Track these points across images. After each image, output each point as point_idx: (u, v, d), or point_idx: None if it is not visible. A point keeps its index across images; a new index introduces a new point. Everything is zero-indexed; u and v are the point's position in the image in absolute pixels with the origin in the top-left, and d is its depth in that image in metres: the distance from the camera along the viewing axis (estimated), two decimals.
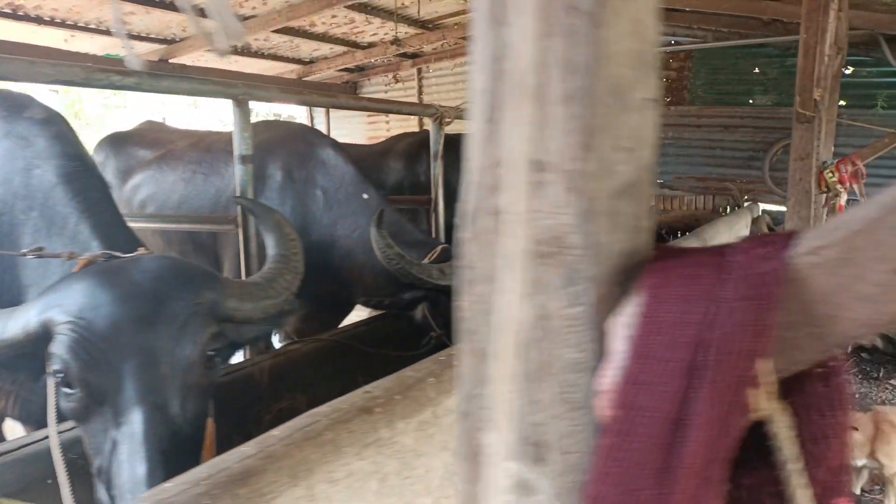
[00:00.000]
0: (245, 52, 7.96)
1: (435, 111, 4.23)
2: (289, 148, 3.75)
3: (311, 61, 8.71)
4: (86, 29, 6.28)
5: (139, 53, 7.07)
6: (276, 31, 7.00)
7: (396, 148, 5.41)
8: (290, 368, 3.03)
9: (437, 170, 4.33)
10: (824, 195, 3.93)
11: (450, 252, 3.26)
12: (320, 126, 9.94)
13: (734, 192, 7.34)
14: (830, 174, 3.79)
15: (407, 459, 1.56)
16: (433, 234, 4.37)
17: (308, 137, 3.79)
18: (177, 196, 3.91)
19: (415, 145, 5.15)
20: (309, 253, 3.59)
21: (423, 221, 4.72)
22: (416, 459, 1.58)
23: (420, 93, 9.24)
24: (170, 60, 7.22)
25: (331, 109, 9.52)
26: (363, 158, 5.46)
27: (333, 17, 6.82)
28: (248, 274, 3.64)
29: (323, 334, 3.36)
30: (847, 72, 6.61)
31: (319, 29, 7.29)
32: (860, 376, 5.91)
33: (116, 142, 4.51)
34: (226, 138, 3.88)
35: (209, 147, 4.07)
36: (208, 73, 7.86)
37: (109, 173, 4.22)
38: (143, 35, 6.77)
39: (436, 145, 4.30)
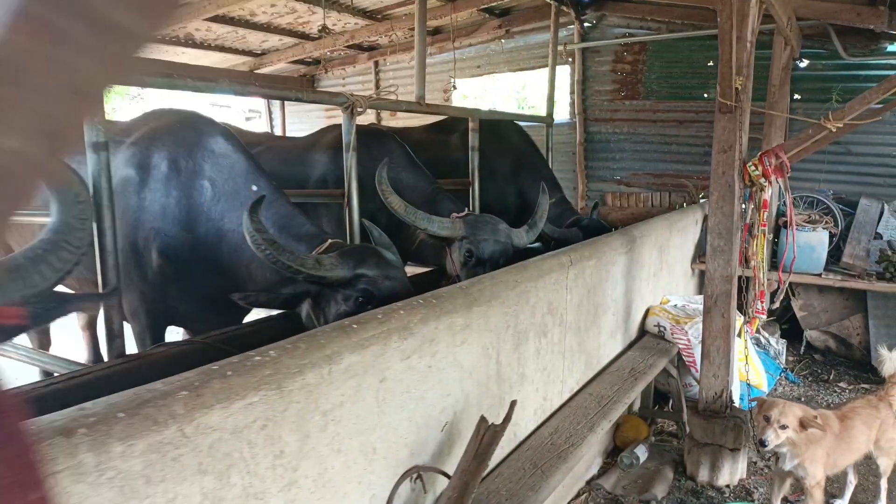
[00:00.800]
0: (189, 42, 7.71)
1: (345, 100, 4.00)
2: (176, 136, 3.50)
3: (263, 53, 8.47)
4: None
5: None
6: (216, 21, 6.75)
7: (322, 140, 5.18)
8: (142, 377, 2.79)
9: (349, 161, 4.09)
10: (748, 189, 3.71)
11: (342, 246, 3.06)
12: (276, 120, 9.71)
13: (690, 188, 7.14)
14: (754, 167, 3.57)
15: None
16: (347, 229, 4.15)
17: (198, 125, 3.55)
18: None
19: (340, 138, 4.93)
20: (195, 248, 3.41)
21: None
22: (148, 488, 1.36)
23: (377, 86, 9.00)
24: None
25: (286, 103, 9.28)
26: (288, 151, 5.26)
27: (273, 5, 6.58)
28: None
29: (189, 339, 3.13)
30: (802, 65, 6.41)
31: (261, 19, 7.06)
32: (810, 378, 5.71)
33: None
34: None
35: None
36: (149, 64, 7.61)
37: None
38: None
39: (347, 136, 4.07)
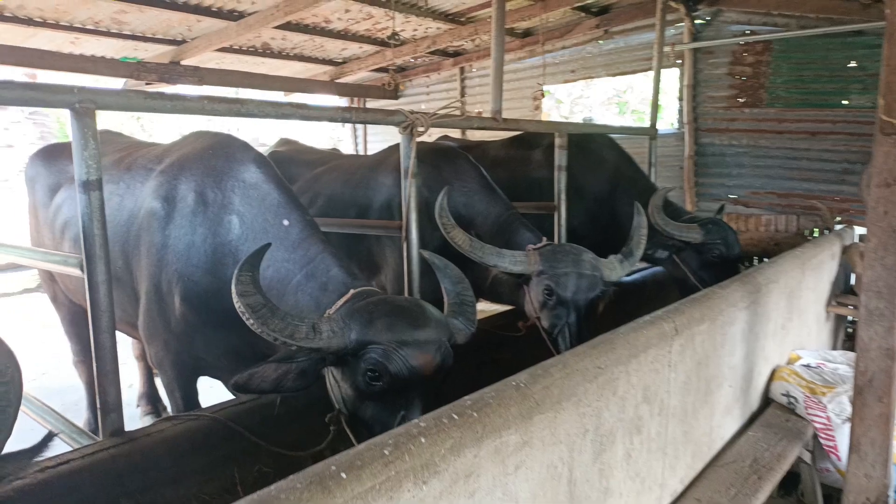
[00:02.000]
0: (268, 52, 7.43)
1: (403, 119, 3.40)
2: (206, 164, 3.04)
3: (343, 62, 8.09)
4: (83, 30, 5.89)
5: (149, 56, 6.69)
6: (289, 29, 6.39)
7: (389, 160, 4.63)
8: (141, 460, 2.30)
9: (408, 189, 3.49)
10: None
11: (366, 297, 2.46)
12: (359, 138, 9.35)
13: (823, 212, 6.01)
14: None
15: None
16: (405, 266, 3.55)
17: (230, 151, 3.06)
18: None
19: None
20: (220, 295, 2.90)
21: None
22: None
23: (462, 94, 8.42)
24: (182, 62, 6.76)
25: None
26: (352, 171, 4.74)
27: (347, 11, 6.12)
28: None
29: (201, 409, 2.63)
30: None
31: (337, 26, 6.63)
32: None
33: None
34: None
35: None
36: (229, 75, 7.41)
37: None
38: (149, 36, 6.34)
39: (406, 160, 3.47)
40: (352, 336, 2.26)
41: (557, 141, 4.50)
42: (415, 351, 2.26)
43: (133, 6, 5.43)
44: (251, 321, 2.15)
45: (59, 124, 10.23)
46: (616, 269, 3.43)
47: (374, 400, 2.28)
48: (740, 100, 6.48)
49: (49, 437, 1.57)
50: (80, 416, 4.67)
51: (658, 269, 5.14)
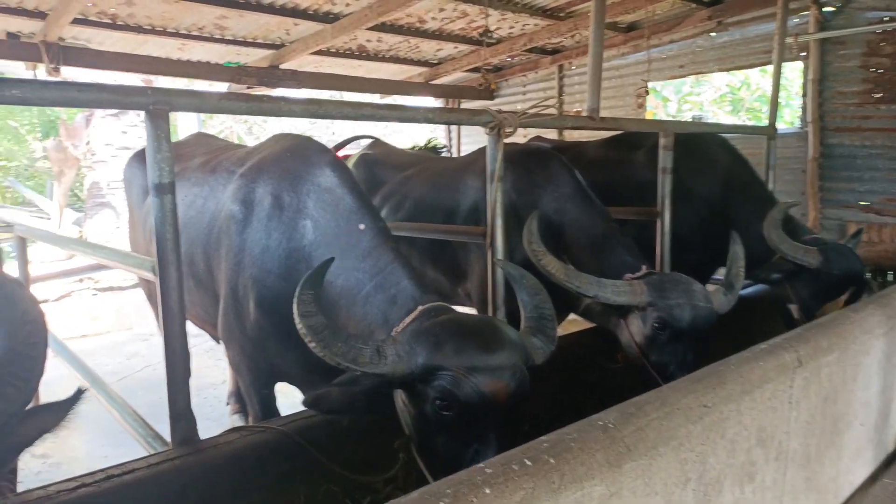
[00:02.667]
0: (364, 55, 7.44)
1: (490, 119, 3.18)
2: (283, 167, 2.96)
3: (438, 63, 7.98)
4: (189, 36, 6.10)
5: (250, 60, 6.85)
6: (384, 31, 6.34)
7: (479, 162, 4.42)
8: (206, 472, 2.23)
9: (494, 194, 3.27)
10: None
11: (439, 314, 2.26)
12: (453, 139, 9.23)
13: None
14: None
15: None
16: (490, 277, 3.33)
17: (306, 154, 2.97)
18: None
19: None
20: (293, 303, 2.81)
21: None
22: None
23: (560, 93, 8.08)
24: (281, 66, 6.88)
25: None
26: (440, 174, 4.58)
27: (441, 10, 5.98)
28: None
29: (270, 421, 2.53)
30: None
31: (431, 26, 6.50)
32: None
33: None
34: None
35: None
36: (326, 78, 7.48)
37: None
38: (249, 40, 6.48)
39: (493, 163, 3.24)
40: (418, 361, 2.07)
41: (662, 141, 4.13)
42: (487, 377, 2.03)
43: (233, 11, 5.55)
44: (313, 344, 2.03)
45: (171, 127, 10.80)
46: (722, 302, 3.08)
47: (445, 429, 2.08)
48: (876, 95, 5.76)
49: (80, 392, 1.47)
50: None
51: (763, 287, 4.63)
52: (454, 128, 9.28)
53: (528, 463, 1.40)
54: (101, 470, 2.08)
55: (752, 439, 2.06)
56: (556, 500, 1.39)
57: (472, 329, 2.17)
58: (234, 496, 2.23)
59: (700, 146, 4.54)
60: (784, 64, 5.21)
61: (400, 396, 2.25)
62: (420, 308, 2.32)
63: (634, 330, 3.01)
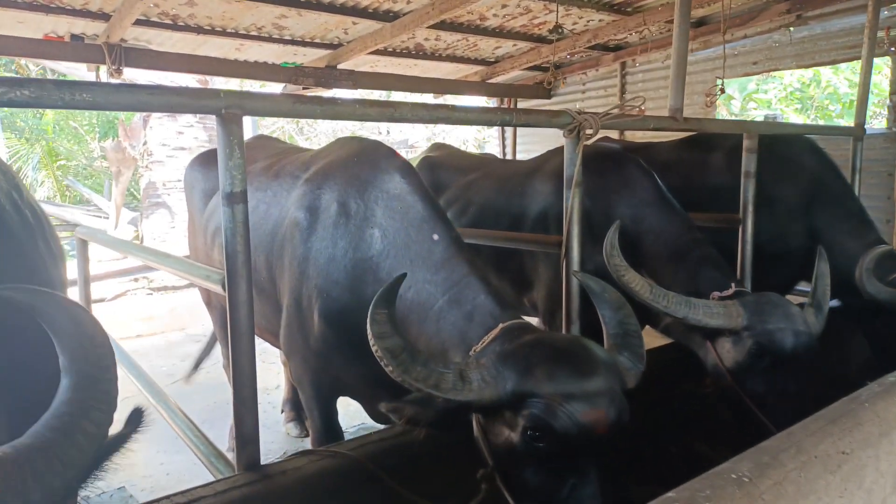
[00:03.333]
0: (421, 54, 7.29)
1: (569, 120, 2.97)
2: (350, 173, 2.82)
3: (496, 61, 7.78)
4: (247, 36, 6.05)
5: (307, 60, 6.78)
6: (444, 29, 6.17)
7: (546, 166, 4.22)
8: (274, 501, 2.09)
9: (572, 201, 3.06)
10: None
11: (521, 333, 2.09)
12: (507, 140, 9.01)
13: None
14: None
15: None
16: (564, 288, 3.12)
17: (375, 159, 2.82)
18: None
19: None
20: (360, 315, 2.65)
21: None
22: None
23: (623, 91, 7.79)
24: (338, 66, 6.79)
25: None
26: (507, 179, 4.39)
27: (504, 6, 5.78)
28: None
29: (340, 444, 2.38)
30: None
31: (492, 23, 6.31)
32: None
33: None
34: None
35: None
36: (382, 78, 7.37)
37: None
38: (307, 40, 6.40)
39: (571, 167, 3.03)
40: (507, 387, 1.90)
41: (746, 143, 3.84)
42: (584, 406, 1.85)
43: (292, 10, 5.47)
44: (390, 368, 1.88)
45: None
46: (815, 324, 2.81)
47: (537, 461, 1.89)
48: None
49: (139, 415, 1.40)
50: (225, 418, 4.71)
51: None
52: (508, 129, 9.06)
53: None
54: (166, 497, 1.96)
55: (888, 487, 1.81)
56: None
57: (564, 351, 1.99)
58: None
59: (785, 149, 4.23)
60: (874, 59, 4.84)
61: (478, 421, 2.08)
62: (501, 326, 2.15)
63: (725, 354, 2.76)
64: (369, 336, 1.92)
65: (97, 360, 1.26)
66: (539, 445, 1.85)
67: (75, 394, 1.23)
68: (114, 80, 5.65)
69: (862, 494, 1.69)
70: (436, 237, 2.52)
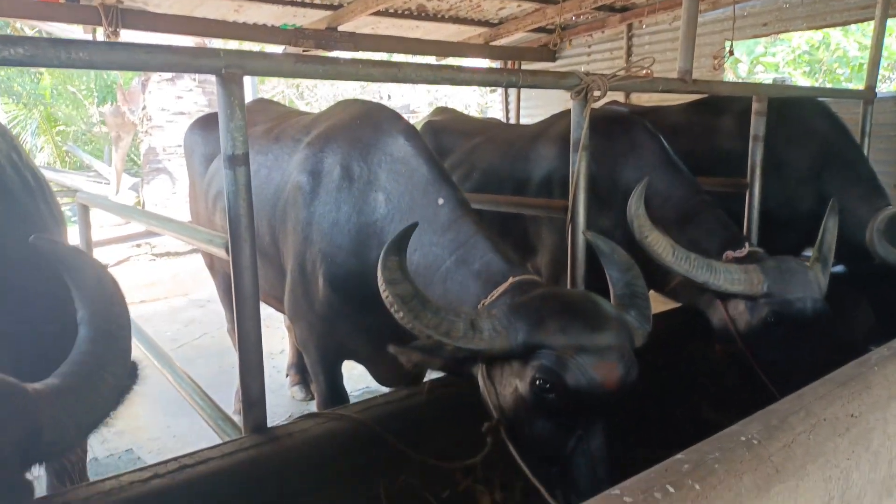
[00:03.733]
0: (423, 15, 7.15)
1: (577, 81, 2.91)
2: (352, 135, 2.78)
3: (500, 22, 7.62)
4: None
5: (306, 22, 6.65)
6: None
7: (551, 130, 4.15)
8: (282, 463, 2.10)
9: (578, 165, 3.02)
10: None
11: (529, 288, 2.10)
12: (511, 104, 8.87)
13: None
14: None
15: None
16: (569, 252, 3.10)
17: (378, 122, 2.78)
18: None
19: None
20: (365, 279, 2.62)
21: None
22: None
23: (629, 54, 7.66)
24: (339, 28, 6.66)
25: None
26: (510, 143, 4.33)
27: None
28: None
29: (346, 407, 2.39)
30: None
31: None
32: None
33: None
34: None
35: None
36: (384, 40, 7.23)
37: None
38: (307, 1, 6.27)
39: (577, 130, 2.99)
40: (518, 337, 1.91)
41: (755, 106, 3.78)
42: (596, 359, 1.86)
43: None
44: (400, 314, 1.89)
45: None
46: (823, 282, 2.79)
47: (544, 413, 1.90)
48: None
49: (134, 369, 1.45)
50: (230, 382, 4.74)
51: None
52: (512, 93, 8.92)
53: (672, 490, 1.19)
54: (174, 459, 1.97)
55: (895, 450, 1.81)
56: None
57: (576, 305, 2.00)
58: (311, 490, 2.10)
59: (796, 113, 4.16)
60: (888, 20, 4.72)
61: (484, 373, 2.07)
62: (511, 280, 2.15)
63: (737, 317, 2.75)
64: (380, 282, 1.92)
65: (116, 318, 1.29)
66: (548, 397, 1.86)
67: (95, 346, 1.30)
68: None
69: (869, 457, 1.69)
70: (441, 200, 2.49)
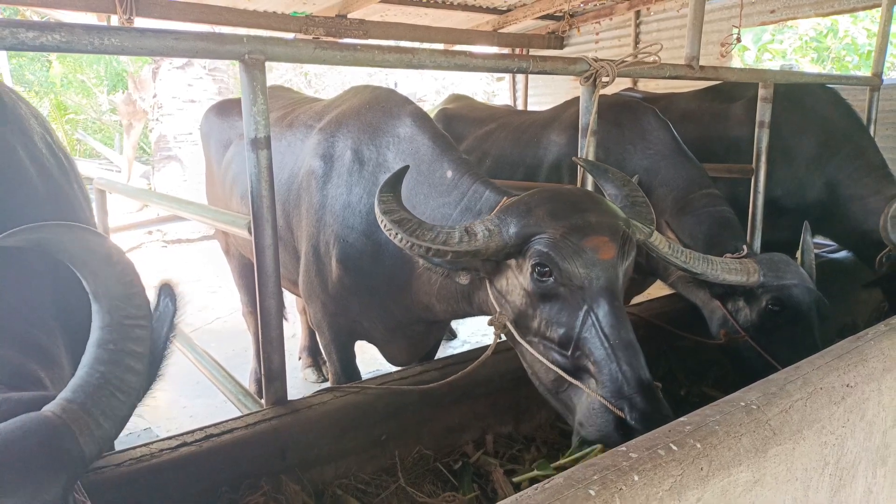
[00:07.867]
0: (431, 3, 7.19)
1: (586, 67, 2.98)
2: (362, 120, 2.86)
3: (508, 10, 7.65)
4: None
5: (317, 10, 6.70)
6: None
7: (563, 116, 4.22)
8: (303, 433, 2.20)
9: (587, 149, 3.09)
10: None
11: None
12: (518, 92, 8.90)
13: None
14: None
15: None
16: None
17: (387, 105, 2.85)
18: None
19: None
20: (377, 259, 2.73)
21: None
22: None
23: (637, 41, 7.68)
24: (348, 15, 6.71)
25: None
26: (523, 129, 4.39)
27: None
28: None
29: (371, 380, 2.48)
30: None
31: None
32: None
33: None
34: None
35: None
36: (393, 27, 7.28)
37: None
38: None
39: (586, 116, 3.06)
40: (510, 231, 2.00)
41: (762, 92, 3.82)
42: (585, 234, 1.92)
43: None
44: (400, 236, 1.99)
45: (235, 80, 10.82)
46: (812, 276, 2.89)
47: (551, 301, 1.95)
48: None
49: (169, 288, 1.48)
50: (243, 365, 4.85)
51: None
52: (519, 80, 8.96)
53: (675, 448, 1.28)
54: (201, 429, 2.08)
55: (889, 420, 1.90)
56: (704, 487, 1.28)
57: (563, 193, 2.12)
58: (330, 459, 2.20)
59: (805, 99, 4.20)
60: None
61: (492, 293, 2.13)
62: (505, 199, 2.24)
63: (738, 312, 2.81)
64: (377, 215, 2.04)
65: (137, 304, 1.28)
66: (547, 281, 1.91)
67: (109, 334, 1.24)
68: None
69: (864, 426, 1.77)
70: (449, 174, 2.55)
